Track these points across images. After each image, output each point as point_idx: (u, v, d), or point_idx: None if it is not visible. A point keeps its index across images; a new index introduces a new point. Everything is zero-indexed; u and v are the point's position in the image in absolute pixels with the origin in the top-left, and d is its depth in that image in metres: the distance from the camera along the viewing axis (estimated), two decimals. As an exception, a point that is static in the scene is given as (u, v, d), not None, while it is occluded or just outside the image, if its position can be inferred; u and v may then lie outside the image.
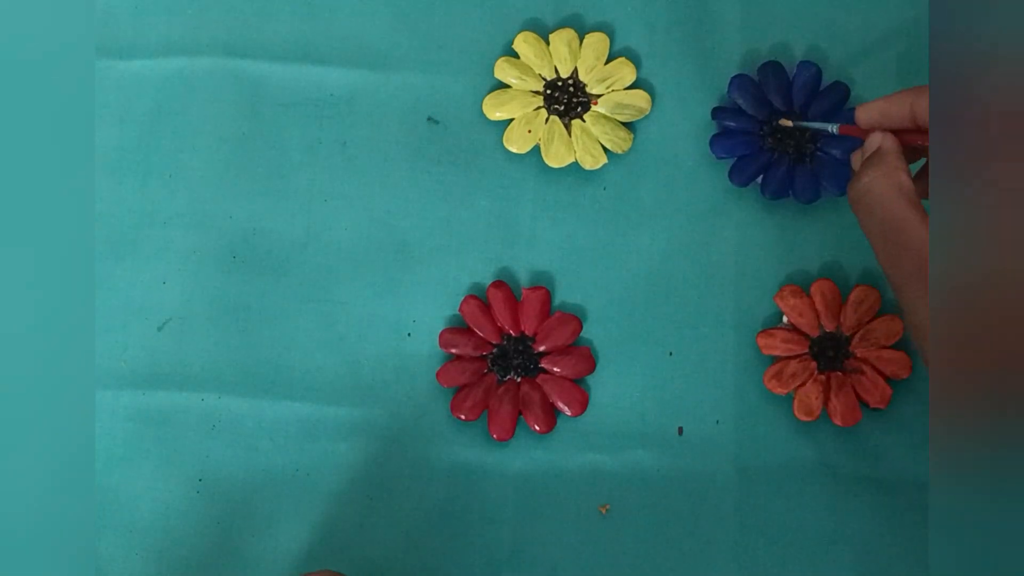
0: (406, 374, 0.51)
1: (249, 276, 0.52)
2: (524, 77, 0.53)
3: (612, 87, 0.53)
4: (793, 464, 0.50)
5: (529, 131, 0.52)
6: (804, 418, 0.49)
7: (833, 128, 0.46)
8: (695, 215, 0.52)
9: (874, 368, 0.50)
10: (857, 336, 0.50)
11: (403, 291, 0.52)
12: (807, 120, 0.51)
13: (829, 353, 0.50)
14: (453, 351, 0.51)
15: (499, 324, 0.51)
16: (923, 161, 0.45)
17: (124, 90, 0.54)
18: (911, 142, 0.43)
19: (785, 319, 0.51)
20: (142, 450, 0.50)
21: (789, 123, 0.50)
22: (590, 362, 0.50)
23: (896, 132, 0.43)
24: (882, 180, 0.41)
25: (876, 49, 0.54)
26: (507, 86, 0.53)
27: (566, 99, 0.53)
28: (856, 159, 0.44)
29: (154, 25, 0.54)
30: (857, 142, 0.46)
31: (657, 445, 0.50)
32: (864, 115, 0.43)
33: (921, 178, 0.45)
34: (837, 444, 0.50)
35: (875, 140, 0.43)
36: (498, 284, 0.51)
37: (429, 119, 0.53)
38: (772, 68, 0.52)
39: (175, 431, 0.51)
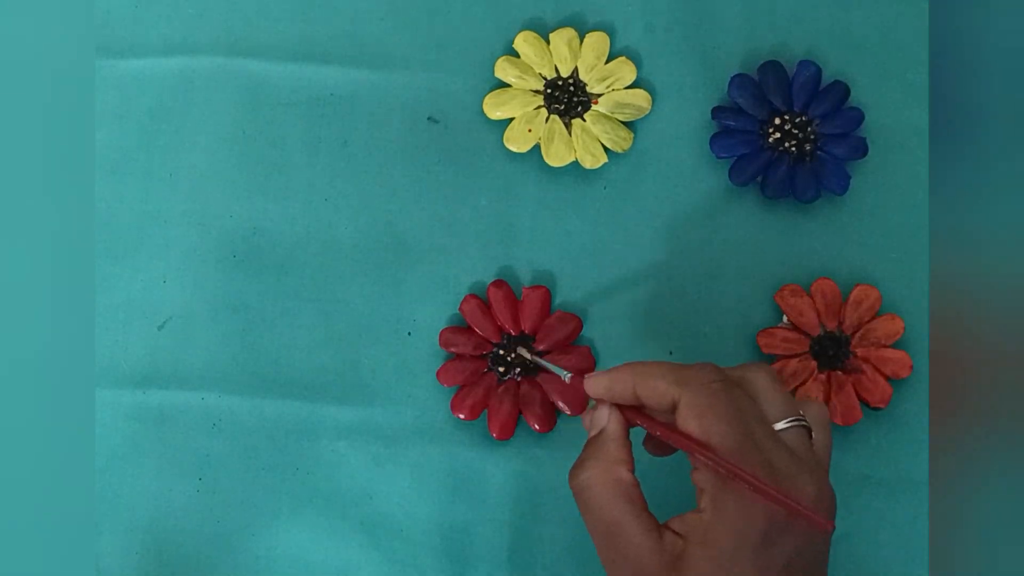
0: (406, 374, 0.51)
1: (249, 275, 0.52)
2: (524, 76, 0.53)
3: (612, 86, 0.53)
4: (793, 464, 0.50)
5: (529, 130, 0.52)
6: (804, 418, 0.49)
7: (566, 377, 0.44)
8: (695, 215, 0.52)
9: (874, 368, 0.50)
10: (857, 336, 0.50)
11: (403, 290, 0.52)
12: (543, 359, 0.49)
13: (829, 352, 0.50)
14: (453, 350, 0.51)
15: (499, 323, 0.51)
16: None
17: (124, 90, 0.54)
18: (634, 422, 0.40)
19: (785, 319, 0.51)
20: (142, 449, 0.50)
21: (527, 355, 0.49)
22: (590, 361, 0.50)
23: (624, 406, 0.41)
24: (600, 476, 0.39)
25: (876, 49, 0.54)
26: (507, 85, 0.53)
27: (566, 98, 0.53)
28: (586, 420, 0.42)
29: (154, 25, 0.54)
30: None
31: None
32: (592, 388, 0.41)
33: (649, 440, 0.43)
34: (837, 444, 0.50)
35: (600, 419, 0.40)
36: (498, 283, 0.51)
37: (429, 119, 0.53)
38: (772, 68, 0.52)
39: (175, 430, 0.51)
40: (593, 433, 0.41)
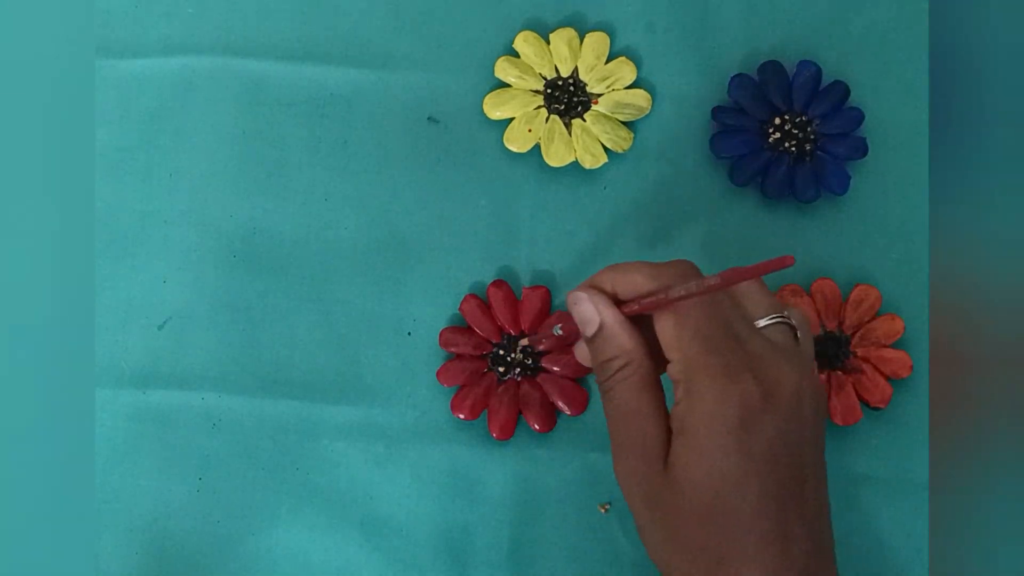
0: (406, 374, 0.51)
1: (249, 275, 0.52)
2: (524, 76, 0.53)
3: (612, 86, 0.53)
4: (793, 464, 0.50)
5: (529, 130, 0.52)
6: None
7: (557, 330, 0.44)
8: (695, 215, 0.52)
9: (874, 368, 0.50)
10: (857, 336, 0.50)
11: (403, 290, 0.52)
12: (537, 337, 0.50)
13: (829, 352, 0.50)
14: (453, 350, 0.51)
15: (499, 323, 0.51)
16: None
17: (124, 90, 0.54)
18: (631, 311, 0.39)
19: (785, 319, 0.51)
20: (142, 449, 0.50)
21: (526, 343, 0.50)
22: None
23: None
24: (626, 372, 0.38)
25: (876, 49, 0.54)
26: (507, 85, 0.53)
27: (566, 98, 0.53)
28: (581, 353, 0.41)
29: (154, 25, 0.54)
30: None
31: None
32: (573, 294, 0.40)
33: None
34: (837, 444, 0.50)
35: (589, 313, 0.39)
36: (498, 283, 0.51)
37: (429, 118, 0.53)
38: (772, 68, 0.52)
39: (175, 430, 0.51)
40: (590, 331, 0.40)
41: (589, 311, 0.39)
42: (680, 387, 0.37)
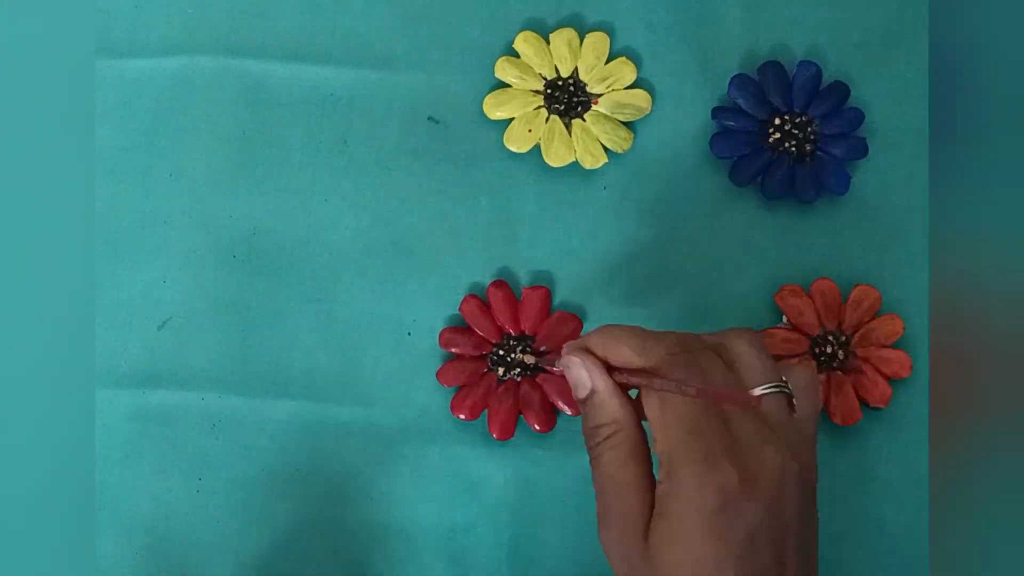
0: (406, 374, 0.51)
1: (249, 276, 0.52)
2: (524, 76, 0.53)
3: (612, 87, 0.53)
4: (793, 464, 0.50)
5: (529, 130, 0.52)
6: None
7: (558, 364, 0.43)
8: (695, 215, 0.52)
9: (874, 368, 0.50)
10: (857, 336, 0.50)
11: (403, 291, 0.52)
12: (543, 360, 0.50)
13: (829, 353, 0.50)
14: (453, 351, 0.51)
15: (499, 323, 0.51)
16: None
17: (124, 90, 0.54)
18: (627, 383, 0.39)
19: (785, 319, 0.51)
20: (142, 449, 0.50)
21: (529, 359, 0.50)
22: (590, 362, 0.50)
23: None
24: (614, 440, 0.39)
25: (876, 49, 0.54)
26: (507, 85, 0.53)
27: (566, 98, 0.53)
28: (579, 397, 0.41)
29: (154, 25, 0.54)
30: None
31: None
32: (568, 353, 0.40)
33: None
34: (837, 444, 0.50)
35: (582, 379, 0.39)
36: (498, 283, 0.51)
37: (429, 119, 0.53)
38: (772, 68, 0.52)
39: (175, 431, 0.51)
40: (582, 395, 0.40)
41: (582, 377, 0.40)
42: (663, 468, 0.37)
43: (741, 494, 0.36)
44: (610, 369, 0.39)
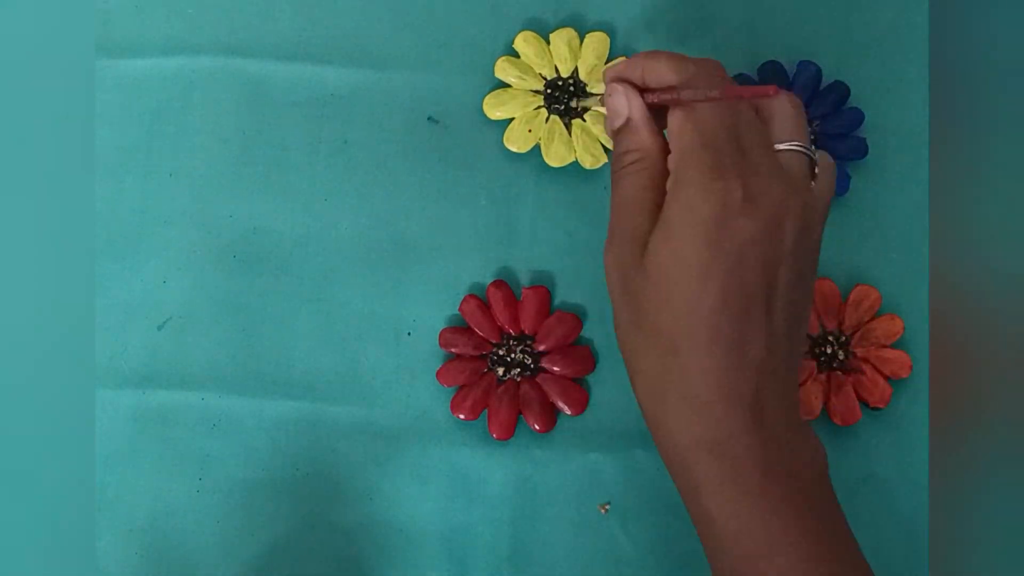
0: (406, 374, 0.51)
1: (249, 276, 0.52)
2: (524, 76, 0.53)
3: (612, 87, 0.53)
4: (793, 464, 0.50)
5: (529, 130, 0.52)
6: (804, 417, 0.49)
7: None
8: (695, 215, 0.52)
9: (874, 368, 0.50)
10: (857, 336, 0.50)
11: (403, 291, 0.52)
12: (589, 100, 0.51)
13: (829, 352, 0.50)
14: (453, 350, 0.51)
15: (499, 323, 0.51)
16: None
17: (124, 90, 0.54)
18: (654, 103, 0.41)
19: (785, 319, 0.51)
20: (142, 449, 0.50)
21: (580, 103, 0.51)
22: (590, 362, 0.50)
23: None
24: (640, 164, 0.40)
25: (876, 49, 0.54)
26: (507, 85, 0.53)
27: (566, 98, 0.53)
28: (607, 123, 0.42)
29: (154, 25, 0.54)
30: None
31: None
32: (609, 73, 0.42)
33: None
34: (837, 444, 0.50)
35: (620, 105, 0.41)
36: (498, 283, 0.51)
37: (429, 119, 0.53)
38: (772, 68, 0.52)
39: (175, 431, 0.51)
40: (618, 124, 0.41)
41: (621, 103, 0.41)
42: (671, 178, 0.38)
43: (741, 210, 0.36)
44: (645, 93, 0.40)
